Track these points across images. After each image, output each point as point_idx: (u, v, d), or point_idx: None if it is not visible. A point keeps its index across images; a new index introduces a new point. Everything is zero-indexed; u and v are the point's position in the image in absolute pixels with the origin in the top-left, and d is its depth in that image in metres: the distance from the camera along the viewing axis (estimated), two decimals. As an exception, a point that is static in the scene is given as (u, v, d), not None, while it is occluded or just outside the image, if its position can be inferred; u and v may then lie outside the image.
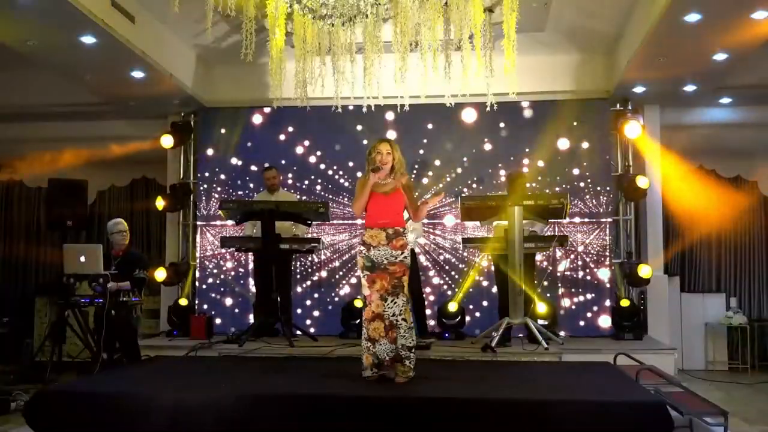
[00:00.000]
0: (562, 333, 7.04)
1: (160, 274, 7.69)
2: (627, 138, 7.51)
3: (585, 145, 7.58)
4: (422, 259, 7.55)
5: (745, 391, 6.90)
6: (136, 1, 6.13)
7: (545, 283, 7.26)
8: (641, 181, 7.27)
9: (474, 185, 7.69)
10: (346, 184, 7.83)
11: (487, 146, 7.71)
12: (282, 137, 7.91)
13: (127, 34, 5.98)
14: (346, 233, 7.83)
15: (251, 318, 7.44)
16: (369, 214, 4.73)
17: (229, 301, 7.87)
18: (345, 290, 7.74)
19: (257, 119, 7.99)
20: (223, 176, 8.00)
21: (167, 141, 7.82)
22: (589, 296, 7.46)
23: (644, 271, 7.10)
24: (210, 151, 8.05)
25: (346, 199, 7.78)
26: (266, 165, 7.43)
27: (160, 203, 7.87)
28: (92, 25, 5.55)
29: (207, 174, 8.04)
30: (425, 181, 7.75)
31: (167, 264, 7.88)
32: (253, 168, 7.89)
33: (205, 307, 7.82)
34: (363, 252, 4.65)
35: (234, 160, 8.00)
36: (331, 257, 7.80)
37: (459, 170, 7.73)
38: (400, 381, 4.55)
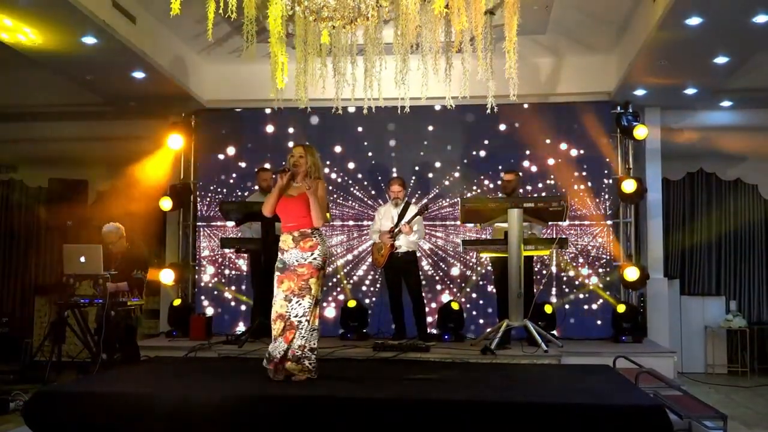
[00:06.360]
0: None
1: (168, 277, 7.58)
2: (627, 140, 7.53)
3: (585, 147, 7.58)
4: (423, 263, 7.55)
5: (744, 395, 6.89)
6: (137, 2, 6.14)
7: (541, 286, 7.24)
8: (627, 185, 7.24)
9: (475, 187, 7.68)
10: (346, 185, 7.83)
11: (488, 148, 7.71)
12: (282, 138, 7.91)
13: (128, 35, 5.99)
14: (344, 235, 7.83)
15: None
16: (281, 220, 4.88)
17: (228, 302, 7.87)
18: (344, 291, 7.74)
19: (257, 120, 7.98)
20: (222, 176, 8.00)
21: (175, 141, 7.79)
22: (588, 298, 7.46)
23: (629, 274, 7.09)
24: (210, 152, 8.04)
25: (347, 200, 7.80)
26: (265, 166, 7.47)
27: (167, 204, 7.75)
28: (93, 26, 5.55)
29: (206, 174, 8.04)
30: (426, 182, 7.76)
31: (167, 264, 7.86)
32: (254, 168, 7.88)
33: (206, 304, 7.83)
34: (279, 256, 4.80)
35: (234, 161, 8.00)
36: (331, 258, 7.79)
37: (459, 172, 7.73)
38: (298, 379, 4.65)
